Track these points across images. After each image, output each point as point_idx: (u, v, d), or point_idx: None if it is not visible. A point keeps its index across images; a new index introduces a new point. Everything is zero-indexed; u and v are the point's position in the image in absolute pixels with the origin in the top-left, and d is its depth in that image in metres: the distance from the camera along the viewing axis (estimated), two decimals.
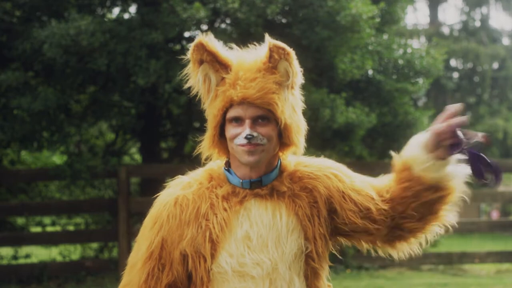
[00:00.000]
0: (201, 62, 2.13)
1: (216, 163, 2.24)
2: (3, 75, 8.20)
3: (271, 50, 2.09)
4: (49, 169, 9.12)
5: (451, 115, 2.06)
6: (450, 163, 2.12)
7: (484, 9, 23.89)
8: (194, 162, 2.36)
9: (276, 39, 2.12)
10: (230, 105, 2.11)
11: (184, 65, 2.21)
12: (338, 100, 8.77)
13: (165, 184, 2.28)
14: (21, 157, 10.89)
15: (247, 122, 2.10)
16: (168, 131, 10.78)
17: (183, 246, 2.12)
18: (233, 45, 2.21)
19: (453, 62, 22.85)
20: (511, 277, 9.83)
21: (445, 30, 24.41)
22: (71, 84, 8.86)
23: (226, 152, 2.19)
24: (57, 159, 12.15)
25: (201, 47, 2.11)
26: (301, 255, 2.16)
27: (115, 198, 9.53)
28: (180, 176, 2.26)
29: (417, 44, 20.54)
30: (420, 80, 10.26)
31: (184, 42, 9.56)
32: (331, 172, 2.22)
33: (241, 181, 2.15)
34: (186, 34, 9.38)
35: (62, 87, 8.86)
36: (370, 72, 9.80)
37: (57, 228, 10.87)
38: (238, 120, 2.11)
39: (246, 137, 2.08)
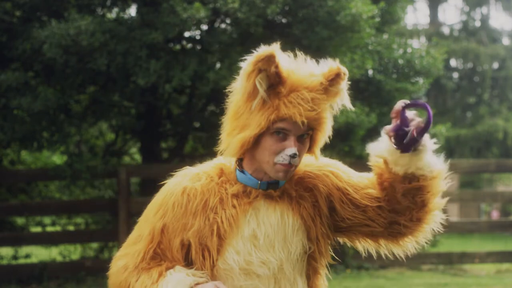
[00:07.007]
0: (260, 71, 2.04)
1: (226, 159, 2.21)
2: (3, 75, 8.20)
3: (337, 76, 2.07)
4: (49, 169, 9.12)
5: (396, 112, 2.12)
6: (417, 153, 2.15)
7: (484, 9, 23.86)
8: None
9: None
10: (281, 118, 2.05)
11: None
12: None
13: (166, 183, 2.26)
14: (21, 157, 10.87)
15: (293, 139, 2.07)
16: (168, 131, 10.76)
17: (187, 236, 2.11)
18: (288, 54, 2.14)
19: (453, 62, 22.83)
20: (511, 277, 9.83)
21: (445, 30, 24.39)
22: (71, 84, 8.85)
23: (245, 154, 2.15)
24: (57, 159, 12.13)
25: (272, 60, 2.03)
26: (304, 255, 2.19)
27: (115, 198, 9.53)
28: (188, 167, 2.23)
29: (417, 44, 20.51)
30: (420, 80, 10.25)
31: (184, 42, 9.56)
32: (329, 170, 2.24)
33: (258, 182, 2.14)
34: (186, 34, 9.37)
35: (62, 87, 8.85)
36: (370, 72, 9.80)
37: (57, 228, 10.86)
38: (281, 133, 2.07)
39: (291, 156, 2.04)
